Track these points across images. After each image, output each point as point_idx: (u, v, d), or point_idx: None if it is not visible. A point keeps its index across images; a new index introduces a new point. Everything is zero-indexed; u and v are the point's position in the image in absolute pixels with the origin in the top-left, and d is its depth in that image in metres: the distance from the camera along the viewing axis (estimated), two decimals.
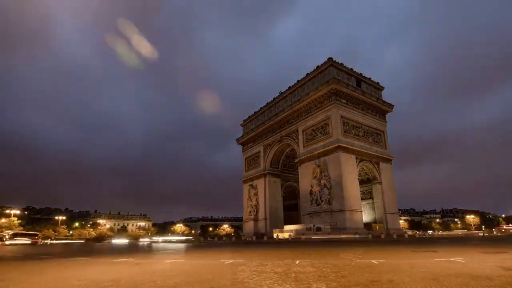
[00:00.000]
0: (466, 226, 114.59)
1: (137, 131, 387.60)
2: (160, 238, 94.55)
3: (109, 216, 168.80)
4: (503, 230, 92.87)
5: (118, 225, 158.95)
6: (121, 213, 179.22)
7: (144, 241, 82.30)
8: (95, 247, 41.61)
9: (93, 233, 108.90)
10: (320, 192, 58.94)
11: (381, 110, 69.57)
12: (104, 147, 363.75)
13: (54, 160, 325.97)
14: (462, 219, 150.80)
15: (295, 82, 72.96)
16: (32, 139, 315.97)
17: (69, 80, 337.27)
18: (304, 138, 67.05)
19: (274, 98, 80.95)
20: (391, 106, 70.71)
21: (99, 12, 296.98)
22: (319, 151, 61.04)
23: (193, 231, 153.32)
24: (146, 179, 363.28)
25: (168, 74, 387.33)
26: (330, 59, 64.08)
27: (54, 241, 71.11)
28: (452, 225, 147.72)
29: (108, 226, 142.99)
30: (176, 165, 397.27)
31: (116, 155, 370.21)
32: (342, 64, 65.32)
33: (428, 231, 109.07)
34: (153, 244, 54.04)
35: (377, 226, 59.01)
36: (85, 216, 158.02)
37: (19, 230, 72.09)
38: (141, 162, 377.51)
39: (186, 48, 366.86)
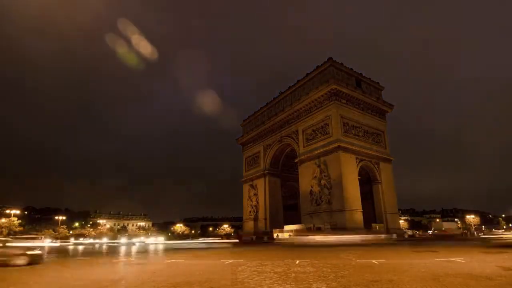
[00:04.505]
0: (466, 225, 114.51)
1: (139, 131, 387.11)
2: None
3: (109, 216, 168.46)
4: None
5: (118, 225, 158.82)
6: (121, 213, 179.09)
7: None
8: None
9: (92, 232, 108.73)
10: (320, 192, 58.94)
11: (381, 110, 69.57)
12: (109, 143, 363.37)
13: (55, 159, 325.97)
14: (462, 219, 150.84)
15: (295, 82, 72.95)
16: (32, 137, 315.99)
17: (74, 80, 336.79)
18: (304, 138, 67.03)
19: (274, 98, 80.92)
20: (391, 106, 70.73)
21: None
22: (319, 151, 61.01)
23: (193, 231, 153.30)
24: (146, 178, 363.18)
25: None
26: (330, 59, 64.06)
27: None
28: None
29: (108, 226, 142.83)
30: (176, 165, 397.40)
31: (118, 152, 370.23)
32: (342, 64, 65.31)
33: (428, 231, 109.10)
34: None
35: (377, 226, 58.94)
36: (85, 216, 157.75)
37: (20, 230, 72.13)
38: (141, 161, 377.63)
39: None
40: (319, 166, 60.00)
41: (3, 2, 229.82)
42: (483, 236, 28.80)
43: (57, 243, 52.28)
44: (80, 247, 43.63)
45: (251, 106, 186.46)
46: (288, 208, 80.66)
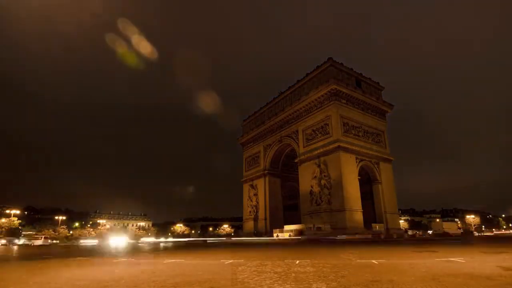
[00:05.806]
0: (466, 226, 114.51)
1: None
2: None
3: (109, 216, 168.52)
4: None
5: (118, 225, 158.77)
6: (121, 213, 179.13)
7: None
8: None
9: (93, 232, 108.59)
10: (320, 192, 58.94)
11: (381, 110, 69.60)
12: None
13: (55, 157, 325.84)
14: (462, 219, 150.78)
15: (295, 82, 72.95)
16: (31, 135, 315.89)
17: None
18: (304, 138, 67.03)
19: (274, 98, 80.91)
20: (391, 106, 70.73)
21: None
22: (319, 151, 61.02)
23: (193, 231, 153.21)
24: (145, 178, 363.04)
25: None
26: (330, 59, 64.05)
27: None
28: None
29: (108, 226, 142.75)
30: (176, 165, 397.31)
31: (117, 152, 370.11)
32: (342, 64, 65.29)
33: (428, 231, 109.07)
34: None
35: (377, 226, 58.96)
36: (85, 216, 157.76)
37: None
38: (140, 161, 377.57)
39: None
40: (319, 166, 60.00)
41: (3, 2, 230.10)
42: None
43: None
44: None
45: (252, 106, 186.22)
46: (288, 208, 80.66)
